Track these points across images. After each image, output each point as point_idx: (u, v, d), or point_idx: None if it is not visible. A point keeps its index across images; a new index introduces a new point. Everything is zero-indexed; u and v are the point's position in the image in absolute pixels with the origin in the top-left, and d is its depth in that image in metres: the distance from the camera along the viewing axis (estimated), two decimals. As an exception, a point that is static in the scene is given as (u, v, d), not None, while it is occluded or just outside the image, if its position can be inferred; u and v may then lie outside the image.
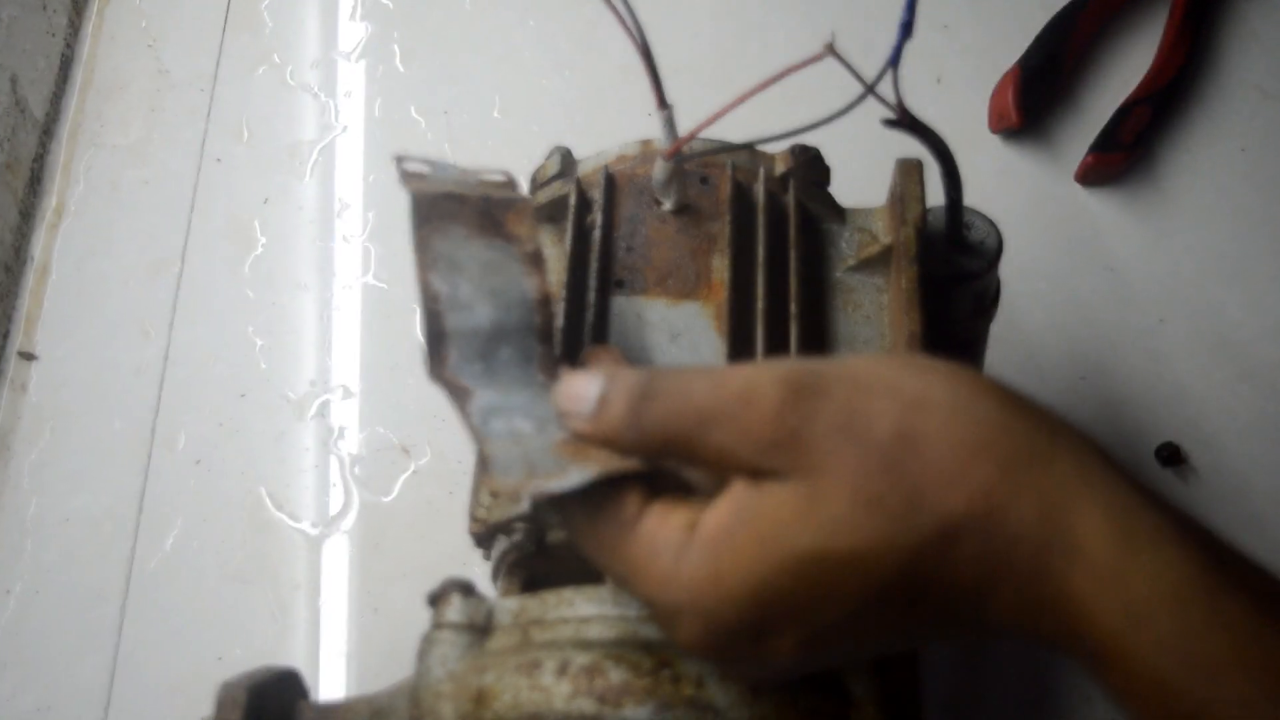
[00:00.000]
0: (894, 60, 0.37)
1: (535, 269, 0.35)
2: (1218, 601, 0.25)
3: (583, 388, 0.31)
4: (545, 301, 0.34)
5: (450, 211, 0.34)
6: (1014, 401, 0.28)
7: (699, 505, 0.29)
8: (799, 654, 0.28)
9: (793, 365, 0.29)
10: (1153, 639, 0.25)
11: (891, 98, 0.38)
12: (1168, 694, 0.25)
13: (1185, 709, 0.25)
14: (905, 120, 0.40)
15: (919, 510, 0.26)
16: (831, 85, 0.39)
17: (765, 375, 0.28)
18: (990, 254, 0.48)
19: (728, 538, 0.28)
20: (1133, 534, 0.26)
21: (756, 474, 0.28)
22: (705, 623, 0.28)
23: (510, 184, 0.37)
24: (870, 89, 0.36)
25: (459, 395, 0.32)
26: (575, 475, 0.30)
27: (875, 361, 0.29)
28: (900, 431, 0.27)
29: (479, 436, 0.31)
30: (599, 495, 0.30)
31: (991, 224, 0.48)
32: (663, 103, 0.40)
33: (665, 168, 0.42)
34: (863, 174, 0.52)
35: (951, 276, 0.47)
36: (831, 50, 0.37)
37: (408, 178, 0.34)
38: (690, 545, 0.28)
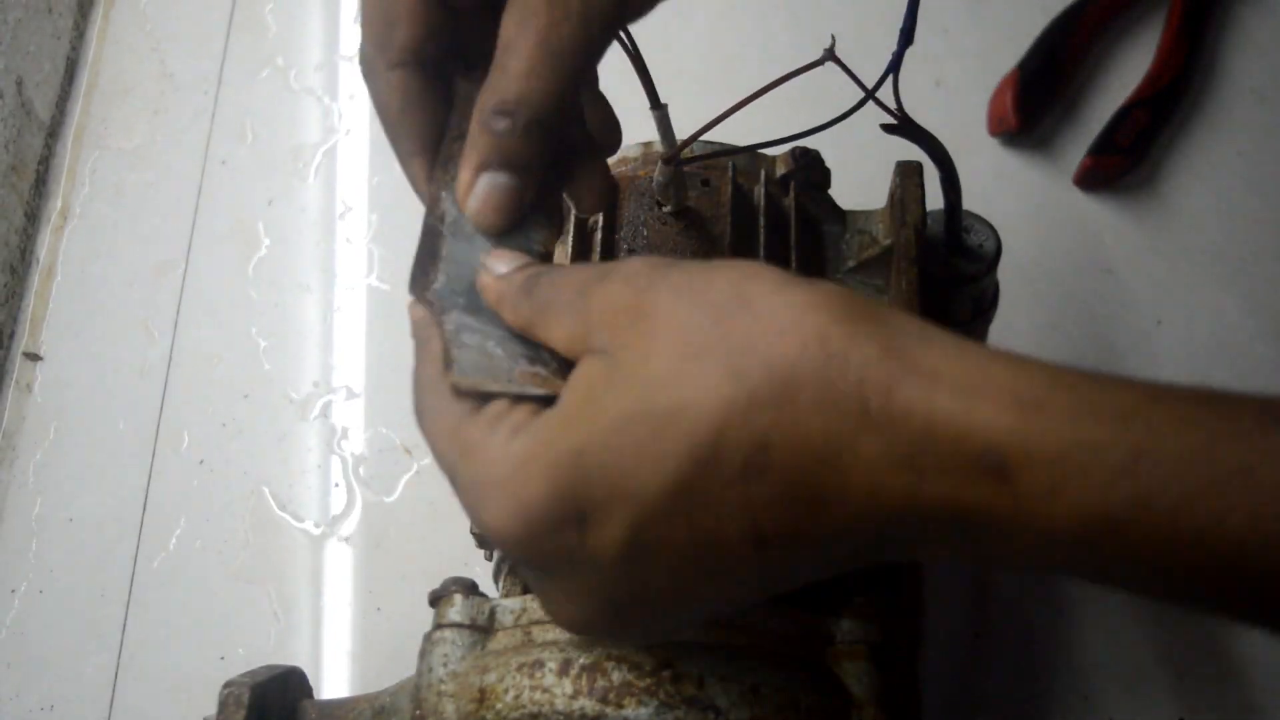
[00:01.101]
0: (894, 67, 0.37)
1: (551, 224, 0.34)
2: (1096, 381, 0.24)
3: (507, 259, 0.32)
4: (547, 257, 0.34)
5: None
6: (845, 287, 0.28)
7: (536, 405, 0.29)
8: (631, 549, 0.26)
9: (648, 258, 0.29)
10: (1053, 417, 0.24)
11: (891, 102, 0.38)
12: (1083, 463, 0.23)
13: (1107, 471, 0.23)
14: (904, 125, 0.40)
15: (746, 360, 0.25)
16: (832, 89, 0.39)
17: (639, 265, 0.29)
18: (989, 257, 0.48)
19: (555, 411, 0.28)
20: (984, 354, 0.25)
21: (604, 353, 0.28)
22: (516, 502, 0.27)
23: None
24: (870, 94, 0.37)
25: (436, 310, 0.32)
26: (531, 390, 0.30)
27: (729, 261, 0.29)
28: (736, 292, 0.27)
29: (447, 340, 0.31)
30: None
31: (990, 227, 0.48)
32: (655, 103, 0.40)
33: (665, 171, 0.42)
34: (863, 176, 0.53)
35: (950, 279, 0.48)
36: (832, 55, 0.37)
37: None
38: (528, 424, 0.28)
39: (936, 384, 0.24)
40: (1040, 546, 0.24)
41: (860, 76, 0.38)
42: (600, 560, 0.27)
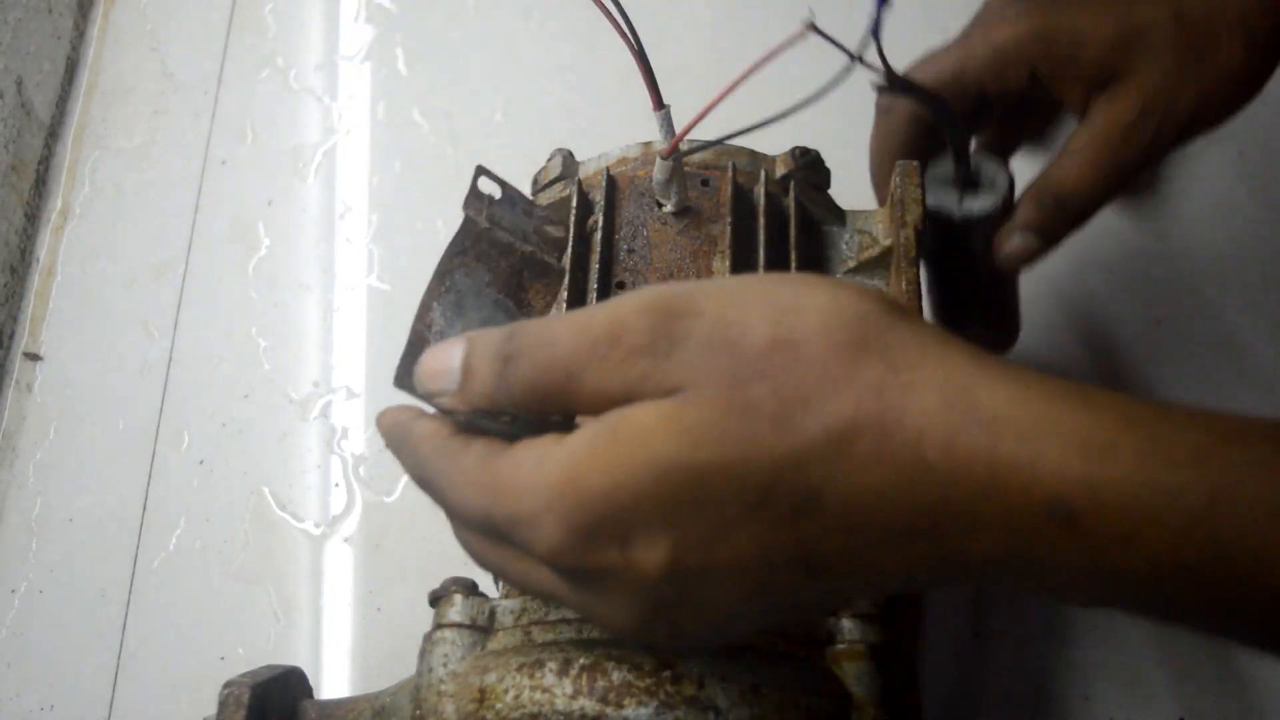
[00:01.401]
0: (875, 27, 0.37)
1: None
2: (1169, 418, 0.23)
3: (443, 360, 0.29)
4: None
5: (487, 255, 0.35)
6: (896, 303, 0.26)
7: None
8: (673, 572, 0.26)
9: (658, 290, 0.27)
10: (1123, 463, 0.23)
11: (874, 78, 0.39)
12: (1157, 510, 0.22)
13: (1183, 517, 0.22)
14: (895, 83, 0.41)
15: (800, 415, 0.24)
16: (833, 88, 0.39)
17: (630, 306, 0.27)
18: (1001, 191, 0.46)
19: (589, 445, 0.26)
20: (1048, 390, 0.24)
21: (629, 398, 0.26)
22: (565, 523, 0.26)
23: (560, 243, 0.37)
24: (856, 58, 0.36)
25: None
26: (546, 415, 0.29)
27: (747, 277, 0.28)
28: (776, 337, 0.25)
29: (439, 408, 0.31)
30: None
31: (1001, 164, 0.47)
32: (659, 103, 0.40)
33: (664, 167, 0.42)
34: (863, 177, 0.53)
35: (966, 221, 0.46)
36: (813, 27, 0.37)
37: (472, 199, 0.35)
38: (552, 452, 0.27)
39: (1000, 431, 0.24)
40: (1107, 588, 0.24)
41: (862, 75, 0.38)
42: (645, 579, 0.26)
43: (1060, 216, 0.43)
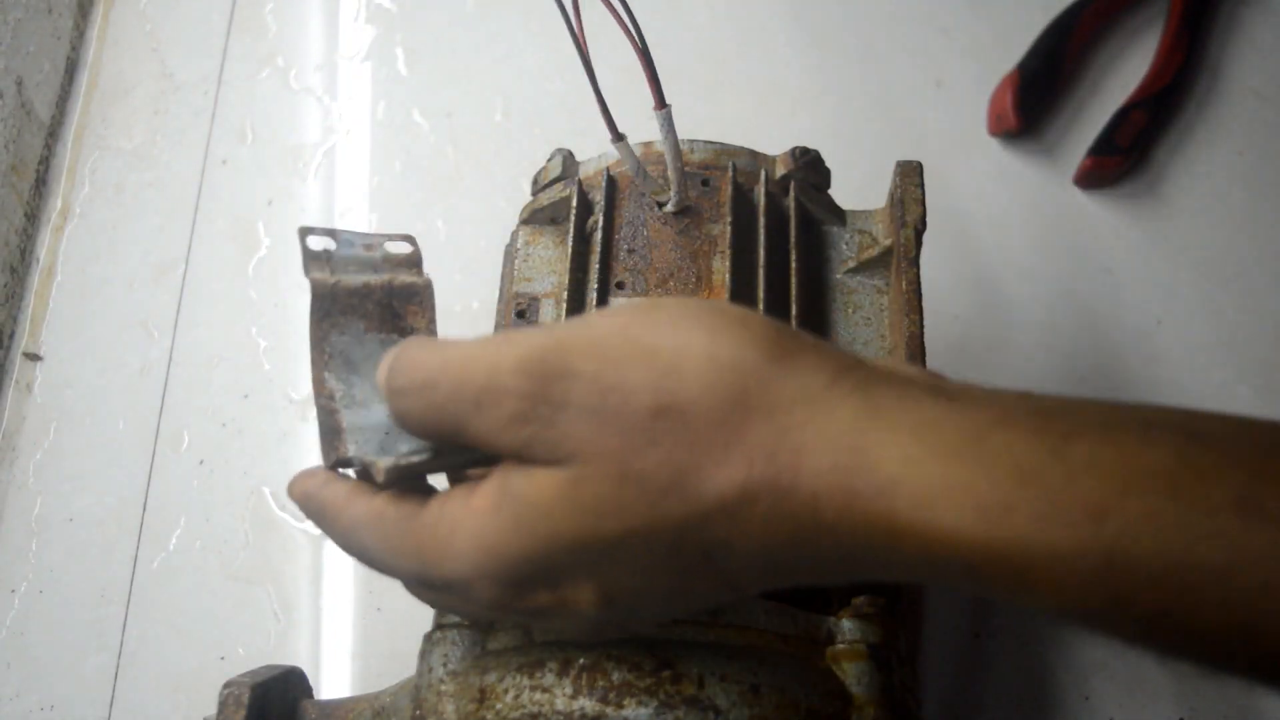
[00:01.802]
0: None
1: None
2: (1070, 466, 0.23)
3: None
4: None
5: (350, 306, 0.34)
6: (779, 341, 0.26)
7: (479, 485, 0.29)
8: (606, 603, 0.27)
9: (533, 343, 0.26)
10: (1019, 526, 0.23)
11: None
12: (1055, 572, 0.23)
13: (1080, 577, 0.23)
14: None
15: (693, 484, 0.25)
16: (831, 87, 0.39)
17: (506, 362, 0.26)
18: None
19: (494, 514, 0.27)
20: (948, 440, 0.24)
21: (520, 458, 0.27)
22: (494, 582, 0.27)
23: (414, 256, 0.35)
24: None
25: (358, 461, 0.32)
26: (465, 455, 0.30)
27: (624, 320, 0.27)
28: (659, 404, 0.25)
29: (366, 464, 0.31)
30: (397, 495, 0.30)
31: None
32: (661, 102, 0.40)
33: (622, 148, 0.42)
34: (863, 177, 0.53)
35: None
36: (621, 138, 0.39)
37: (311, 262, 0.33)
38: (463, 523, 0.28)
39: (895, 495, 0.24)
40: (1025, 607, 0.25)
41: (862, 75, 0.38)
42: (580, 610, 0.28)
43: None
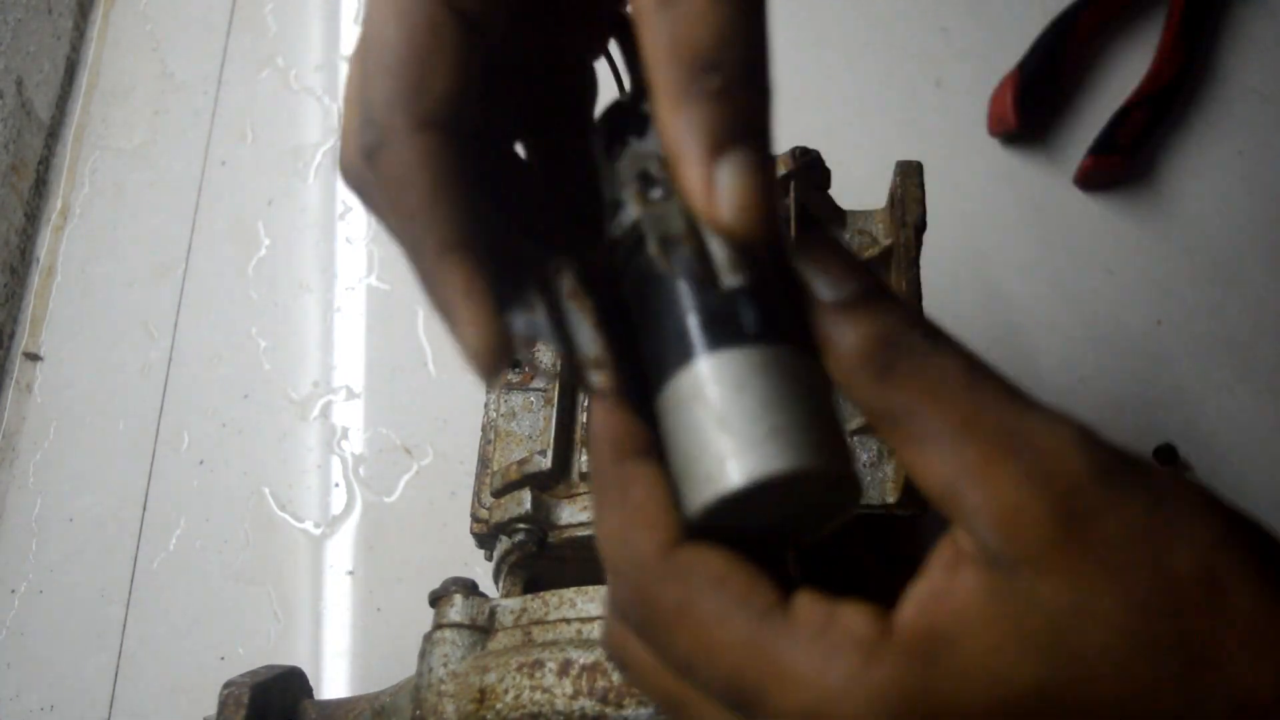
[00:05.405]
0: None
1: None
2: None
3: (843, 263, 0.22)
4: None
5: None
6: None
7: (867, 604, 0.22)
8: None
9: (1098, 436, 0.21)
10: None
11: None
12: None
13: None
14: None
15: (1207, 678, 0.20)
16: (831, 89, 0.39)
17: (1069, 431, 0.20)
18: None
19: (960, 633, 0.20)
20: None
21: (994, 563, 0.20)
22: None
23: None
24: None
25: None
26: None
27: (1177, 479, 0.21)
28: (1204, 568, 0.20)
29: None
30: (716, 565, 0.22)
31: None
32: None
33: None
34: (863, 176, 0.53)
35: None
36: None
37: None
38: (888, 643, 0.21)
39: None
40: None
41: (859, 75, 0.38)
42: None
43: (739, 84, 0.21)
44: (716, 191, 0.21)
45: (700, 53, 0.21)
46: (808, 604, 0.21)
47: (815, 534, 0.23)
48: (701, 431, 0.21)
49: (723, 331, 0.21)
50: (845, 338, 0.21)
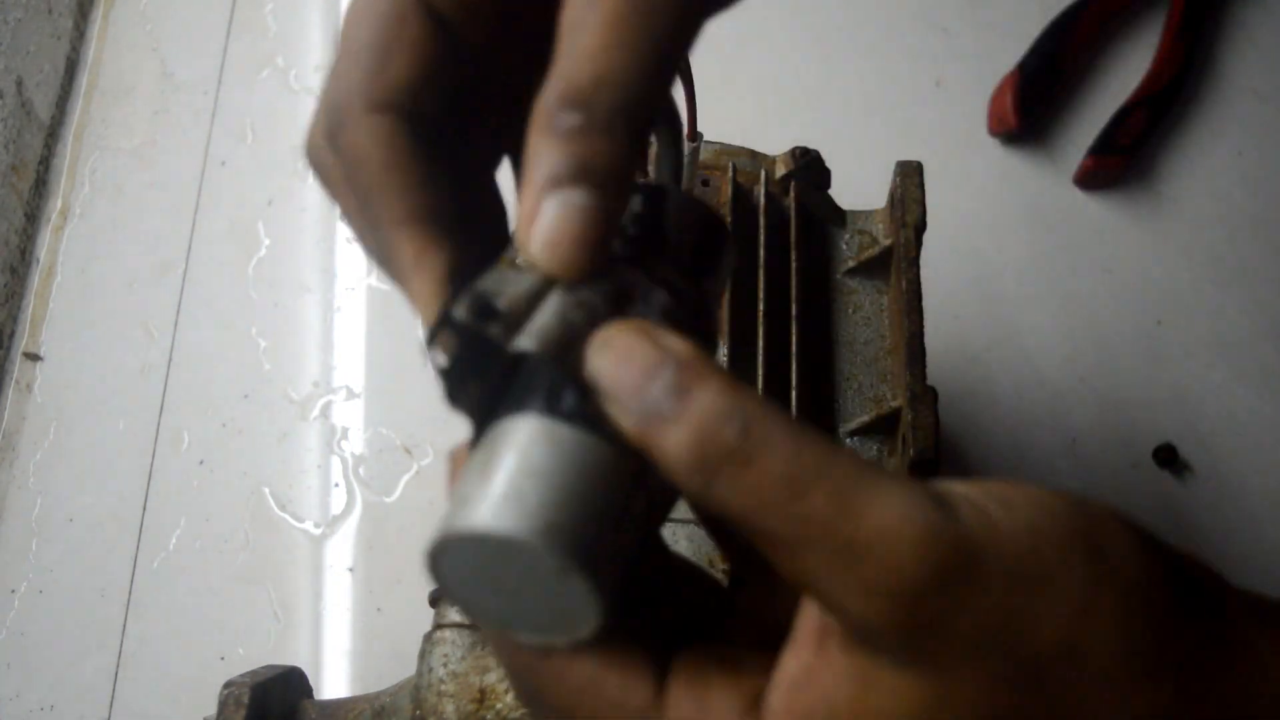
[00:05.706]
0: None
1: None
2: None
3: (645, 362, 0.21)
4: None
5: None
6: (1188, 585, 0.22)
7: (748, 668, 0.22)
8: None
9: (941, 528, 0.20)
10: None
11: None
12: None
13: None
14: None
15: None
16: (831, 91, 0.39)
17: (909, 532, 0.20)
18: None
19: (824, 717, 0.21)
20: None
21: (859, 641, 0.21)
22: None
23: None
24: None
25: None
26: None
27: (1042, 539, 0.21)
28: (1062, 642, 0.20)
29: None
30: (590, 663, 0.22)
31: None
32: (695, 134, 0.40)
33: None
34: (863, 177, 0.53)
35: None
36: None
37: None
38: (770, 702, 0.21)
39: None
40: None
41: (859, 75, 0.38)
42: None
43: (596, 128, 0.22)
44: (536, 222, 0.22)
45: (572, 90, 0.22)
46: (680, 694, 0.22)
47: (567, 644, 0.22)
48: (468, 474, 0.22)
49: (546, 403, 0.22)
50: (662, 447, 0.20)
